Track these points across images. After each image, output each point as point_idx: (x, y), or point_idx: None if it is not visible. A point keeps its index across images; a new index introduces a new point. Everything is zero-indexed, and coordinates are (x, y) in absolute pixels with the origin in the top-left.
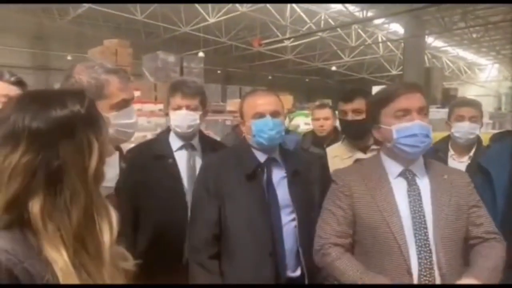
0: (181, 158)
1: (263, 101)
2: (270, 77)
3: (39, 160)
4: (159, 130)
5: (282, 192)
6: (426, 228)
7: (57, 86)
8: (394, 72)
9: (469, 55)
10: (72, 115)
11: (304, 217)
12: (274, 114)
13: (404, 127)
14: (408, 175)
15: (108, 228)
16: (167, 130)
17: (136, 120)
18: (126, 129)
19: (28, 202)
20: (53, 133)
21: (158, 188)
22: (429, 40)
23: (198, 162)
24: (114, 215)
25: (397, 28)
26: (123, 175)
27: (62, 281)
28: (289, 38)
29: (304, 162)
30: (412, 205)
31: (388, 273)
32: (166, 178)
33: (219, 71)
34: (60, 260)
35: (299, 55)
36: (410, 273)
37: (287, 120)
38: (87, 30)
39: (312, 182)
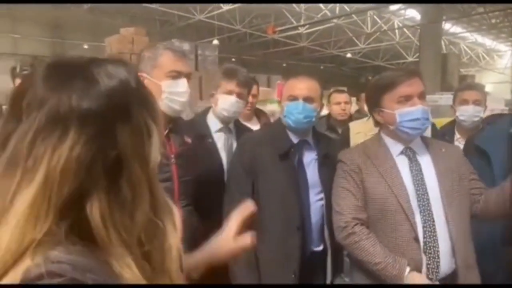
0: (219, 139)
1: (300, 85)
2: (284, 65)
3: (95, 150)
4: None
5: (312, 173)
6: (428, 199)
7: None
8: (410, 59)
9: (488, 41)
10: (123, 87)
11: (331, 197)
12: (307, 99)
13: (407, 112)
14: (409, 153)
15: (173, 228)
16: (205, 111)
17: (188, 90)
18: (176, 97)
19: (85, 205)
20: (108, 113)
21: (198, 168)
22: (447, 26)
23: (234, 144)
24: (177, 215)
25: (413, 14)
26: None
27: None
28: (303, 25)
29: (334, 147)
30: (415, 179)
31: (398, 242)
32: (207, 156)
33: (233, 59)
34: (130, 276)
35: (314, 42)
36: (417, 240)
37: None
38: (103, 19)
39: None
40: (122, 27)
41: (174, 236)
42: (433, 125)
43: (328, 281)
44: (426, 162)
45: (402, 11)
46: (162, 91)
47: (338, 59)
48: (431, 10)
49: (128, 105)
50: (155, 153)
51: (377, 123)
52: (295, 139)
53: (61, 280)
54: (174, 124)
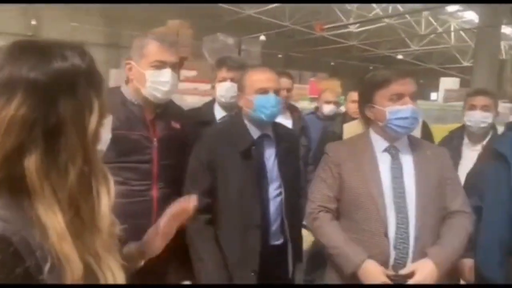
0: None
1: (267, 77)
2: (332, 63)
3: (37, 114)
4: None
5: (272, 168)
6: (404, 197)
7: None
8: (465, 64)
9: None
10: (73, 68)
11: (290, 191)
12: (277, 91)
13: (397, 110)
14: (392, 151)
15: (106, 193)
16: (212, 101)
17: (170, 81)
18: (159, 86)
19: (23, 159)
20: (52, 86)
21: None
22: (507, 30)
23: None
24: (111, 181)
25: (472, 17)
26: None
27: (57, 246)
28: (354, 24)
29: (295, 139)
30: (394, 177)
31: (368, 235)
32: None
33: (280, 55)
34: (55, 223)
35: (364, 42)
36: (386, 236)
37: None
38: (155, 10)
39: (298, 158)
40: (173, 19)
41: (106, 199)
42: (426, 127)
43: (289, 271)
44: (408, 162)
45: (460, 13)
46: (146, 79)
47: (388, 60)
48: (490, 12)
49: (75, 84)
50: (93, 126)
51: (366, 120)
52: (255, 133)
53: None
54: (162, 109)
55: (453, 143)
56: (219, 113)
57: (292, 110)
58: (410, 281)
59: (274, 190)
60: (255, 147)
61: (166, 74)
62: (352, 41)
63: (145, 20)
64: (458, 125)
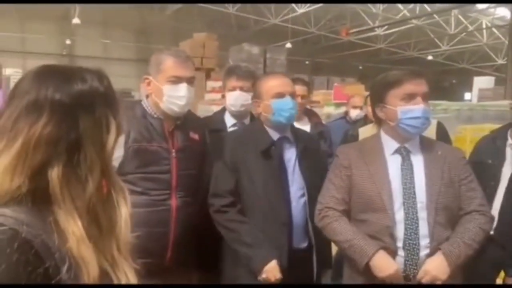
0: None
1: (282, 82)
2: (360, 67)
3: (61, 131)
4: None
5: (293, 170)
6: (414, 198)
7: None
8: (500, 62)
9: None
10: (92, 90)
11: (313, 192)
12: (293, 94)
13: (409, 109)
14: (403, 152)
15: (124, 203)
16: (223, 110)
17: (187, 95)
18: (176, 100)
19: (48, 172)
20: (74, 106)
21: (211, 158)
22: None
23: None
24: (127, 192)
25: (504, 13)
26: None
27: (76, 250)
28: (381, 26)
29: (314, 141)
30: (404, 178)
31: (376, 236)
32: (220, 148)
33: (307, 62)
34: (74, 227)
35: (392, 44)
36: (394, 236)
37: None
38: (183, 24)
39: (321, 160)
40: (200, 32)
41: (125, 208)
42: (441, 127)
43: (314, 278)
44: (418, 162)
45: (491, 10)
46: (163, 94)
47: (418, 62)
48: None
49: (93, 104)
50: (111, 143)
51: (377, 120)
52: (275, 136)
53: (1, 229)
54: (181, 121)
55: (496, 143)
56: (229, 121)
57: (310, 115)
58: (420, 271)
59: (297, 191)
60: (274, 147)
61: (183, 89)
62: (380, 44)
63: (173, 33)
64: (489, 125)
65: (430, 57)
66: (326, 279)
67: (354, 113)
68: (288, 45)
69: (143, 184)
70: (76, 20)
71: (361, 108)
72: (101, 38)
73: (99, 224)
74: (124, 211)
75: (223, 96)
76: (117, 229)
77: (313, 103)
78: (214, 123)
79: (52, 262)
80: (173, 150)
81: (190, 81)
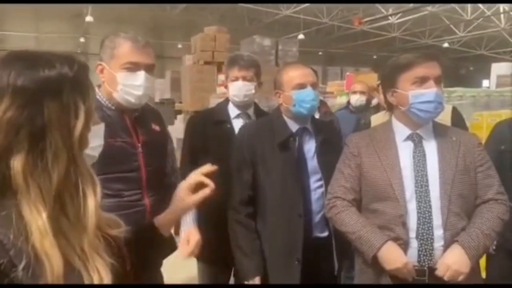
0: (238, 125)
1: (303, 72)
2: (374, 57)
3: (23, 116)
4: None
5: (312, 160)
6: (427, 186)
7: (168, 73)
8: None
9: None
10: (59, 76)
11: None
12: (314, 85)
13: (421, 93)
14: (415, 138)
15: (92, 193)
16: (226, 101)
17: (144, 84)
18: (132, 90)
19: (10, 159)
20: (38, 92)
21: (216, 149)
22: None
23: None
24: (98, 182)
25: None
26: (186, 138)
27: (39, 245)
28: (395, 14)
29: (334, 132)
30: (416, 165)
31: (388, 225)
32: (224, 140)
33: (320, 53)
34: (38, 220)
35: (406, 32)
36: (406, 226)
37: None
38: (195, 19)
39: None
40: (210, 26)
41: (92, 199)
42: (456, 113)
43: (335, 267)
44: (431, 149)
45: None
46: (117, 82)
47: (433, 49)
48: None
49: (61, 89)
50: (79, 129)
51: (389, 106)
52: (293, 127)
53: None
54: (139, 113)
55: None
56: (233, 112)
57: (319, 105)
58: (438, 265)
59: (315, 182)
60: (293, 138)
61: (140, 77)
62: (394, 33)
63: (185, 28)
64: (507, 111)
65: (446, 44)
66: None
67: (354, 99)
68: (301, 36)
69: (114, 186)
70: (89, 18)
71: (361, 93)
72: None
73: (67, 216)
74: (92, 203)
75: (226, 87)
76: (86, 221)
77: (327, 94)
78: (217, 115)
79: (5, 260)
80: (139, 145)
81: (149, 68)
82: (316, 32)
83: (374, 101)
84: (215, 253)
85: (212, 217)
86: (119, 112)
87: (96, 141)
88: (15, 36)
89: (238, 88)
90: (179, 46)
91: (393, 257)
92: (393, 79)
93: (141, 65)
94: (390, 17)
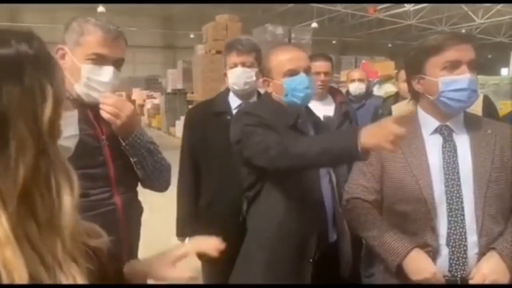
0: None
1: (294, 56)
2: (390, 45)
3: None
4: None
5: None
6: (459, 185)
7: (180, 63)
8: None
9: None
10: (18, 55)
11: (339, 180)
12: (307, 70)
13: (452, 80)
14: (444, 131)
15: (68, 191)
16: (227, 90)
17: (112, 81)
18: (96, 85)
19: None
20: None
21: (216, 143)
22: None
23: None
24: (75, 179)
25: None
26: (185, 131)
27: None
28: (411, 2)
29: (325, 127)
30: (446, 162)
31: (413, 230)
32: (224, 133)
33: (334, 41)
34: None
35: (423, 20)
36: (435, 231)
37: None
38: (207, 9)
39: None
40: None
41: (69, 198)
42: (488, 102)
43: (345, 269)
44: (463, 143)
45: None
46: (81, 74)
47: None
48: None
49: (21, 69)
50: (48, 114)
51: (414, 95)
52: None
53: None
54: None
55: None
56: (234, 103)
57: (334, 94)
58: (472, 276)
59: (323, 176)
60: (301, 120)
61: (107, 73)
62: (410, 20)
63: (198, 18)
64: None
65: (463, 31)
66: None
67: (353, 87)
68: (314, 24)
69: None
70: (101, 9)
71: (361, 80)
72: (127, 26)
73: (36, 218)
74: (68, 202)
75: (225, 75)
76: (60, 223)
77: (341, 83)
78: (217, 106)
79: None
80: (103, 137)
81: (117, 63)
82: (329, 21)
83: (379, 89)
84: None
85: (215, 218)
86: (79, 103)
87: (69, 130)
88: (31, 28)
89: (237, 75)
90: (191, 36)
91: (421, 266)
92: (420, 64)
93: (110, 59)
94: (405, 5)
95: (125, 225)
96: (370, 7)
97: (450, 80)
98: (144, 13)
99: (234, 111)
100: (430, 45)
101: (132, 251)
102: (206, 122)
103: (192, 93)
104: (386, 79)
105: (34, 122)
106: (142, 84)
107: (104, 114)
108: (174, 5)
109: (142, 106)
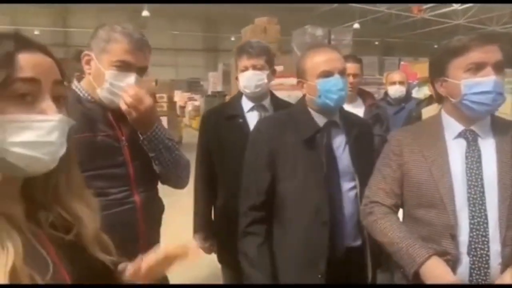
0: (252, 119)
1: (329, 57)
2: (435, 46)
3: None
4: None
5: (343, 158)
6: (482, 192)
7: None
8: None
9: None
10: None
11: (366, 183)
12: (343, 72)
13: (476, 82)
14: (468, 135)
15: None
16: (240, 94)
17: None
18: (117, 90)
19: None
20: None
21: (229, 146)
22: None
23: None
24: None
25: None
26: (200, 135)
27: None
28: (457, 2)
29: (367, 127)
30: (469, 168)
31: (433, 237)
32: (236, 137)
33: (376, 42)
34: None
35: (472, 19)
36: (455, 238)
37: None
38: (249, 11)
39: (375, 148)
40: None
41: None
42: None
43: (369, 278)
44: (488, 149)
45: None
46: (105, 80)
47: (503, 38)
48: None
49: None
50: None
51: (438, 98)
52: (320, 121)
53: None
54: None
55: None
56: (247, 106)
57: (364, 96)
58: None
59: (347, 183)
60: (320, 134)
61: (130, 80)
62: (458, 20)
63: (239, 20)
64: None
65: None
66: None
67: (392, 90)
68: (356, 25)
69: (97, 184)
70: (145, 13)
71: (401, 83)
72: (169, 29)
73: None
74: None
75: (237, 79)
76: None
77: (382, 85)
78: (229, 109)
79: None
80: (123, 138)
81: (141, 71)
82: (372, 21)
83: (418, 92)
84: (236, 257)
85: (230, 222)
86: (100, 105)
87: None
88: (79, 32)
89: (247, 79)
90: (232, 38)
91: (438, 275)
92: (443, 66)
93: (134, 67)
94: (454, 4)
95: (144, 223)
96: (414, 7)
97: (473, 82)
98: (187, 16)
99: (247, 114)
100: (453, 46)
101: (150, 249)
102: (220, 126)
103: (226, 95)
104: (426, 81)
105: None
106: (184, 86)
107: (122, 106)
108: (216, 7)
109: (183, 107)
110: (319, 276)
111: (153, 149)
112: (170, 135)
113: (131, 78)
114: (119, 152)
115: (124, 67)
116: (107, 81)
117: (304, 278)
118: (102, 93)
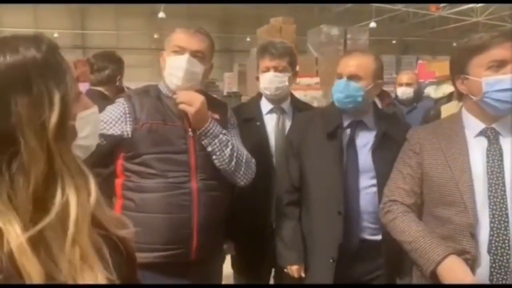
0: (271, 121)
1: (348, 62)
2: (454, 44)
3: None
4: (315, 104)
5: (365, 157)
6: (504, 191)
7: (236, 66)
8: None
9: None
10: (25, 61)
11: (384, 183)
12: (352, 77)
13: (497, 80)
14: (489, 134)
15: (85, 194)
16: (259, 95)
17: (186, 66)
18: (174, 71)
19: None
20: (2, 85)
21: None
22: None
23: (288, 125)
24: (92, 181)
25: None
26: None
27: (18, 262)
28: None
29: (398, 126)
30: (490, 166)
31: (453, 235)
32: (253, 140)
33: (394, 41)
34: (14, 236)
35: (491, 16)
36: (475, 237)
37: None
38: (265, 11)
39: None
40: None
41: (85, 197)
42: None
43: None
44: (510, 147)
45: None
46: (166, 66)
47: None
48: None
49: (28, 76)
50: (54, 121)
51: (459, 96)
52: (347, 119)
53: None
54: None
55: None
56: (266, 108)
57: (381, 96)
58: None
59: (367, 180)
60: (340, 130)
61: (183, 60)
62: (477, 17)
63: (256, 21)
64: None
65: None
66: None
67: (400, 91)
68: (372, 24)
69: (159, 166)
70: (161, 15)
71: (409, 85)
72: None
73: (52, 227)
74: (84, 203)
75: (257, 79)
76: (76, 228)
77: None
78: (247, 111)
79: None
80: (190, 129)
81: (195, 54)
82: (389, 20)
83: (436, 90)
84: (250, 266)
85: (247, 228)
86: (174, 99)
87: (87, 129)
88: (97, 34)
89: (268, 80)
90: (248, 39)
91: (456, 274)
92: (464, 63)
93: (187, 49)
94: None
95: (198, 209)
96: (432, 5)
97: (495, 80)
98: (202, 17)
99: (265, 117)
100: (474, 44)
101: (205, 233)
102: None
103: (242, 96)
104: (444, 79)
105: (42, 131)
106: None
107: (180, 105)
108: (232, 8)
109: None
110: (331, 260)
111: (210, 143)
112: (226, 132)
113: (185, 57)
114: (184, 141)
115: (179, 51)
116: (167, 65)
117: (319, 259)
118: (166, 79)
